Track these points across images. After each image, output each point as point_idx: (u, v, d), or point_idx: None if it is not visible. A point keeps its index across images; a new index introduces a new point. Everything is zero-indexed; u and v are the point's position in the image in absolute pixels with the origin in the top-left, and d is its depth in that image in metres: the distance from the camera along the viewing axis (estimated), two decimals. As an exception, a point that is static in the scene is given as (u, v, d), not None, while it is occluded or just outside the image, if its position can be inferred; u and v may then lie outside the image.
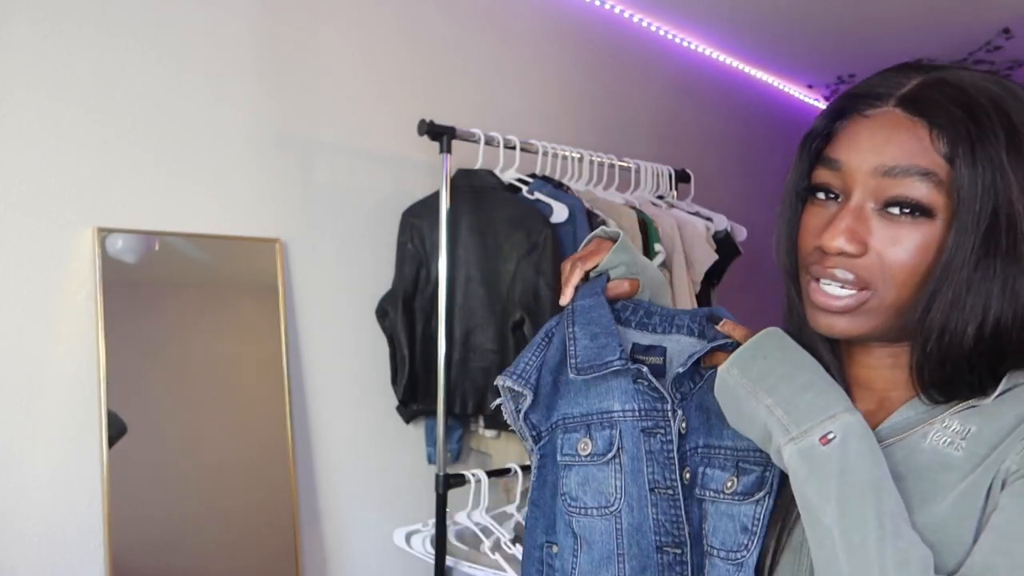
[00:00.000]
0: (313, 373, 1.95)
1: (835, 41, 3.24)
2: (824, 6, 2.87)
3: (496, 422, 1.97)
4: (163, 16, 1.68)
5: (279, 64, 1.88)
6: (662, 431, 0.82)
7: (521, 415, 0.89)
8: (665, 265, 2.14)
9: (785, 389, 0.72)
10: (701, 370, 0.82)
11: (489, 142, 1.90)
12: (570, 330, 0.86)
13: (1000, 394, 0.70)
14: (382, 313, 2.01)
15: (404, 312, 1.96)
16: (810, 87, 3.93)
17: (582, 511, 0.84)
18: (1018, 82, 0.72)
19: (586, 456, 0.85)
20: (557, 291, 0.95)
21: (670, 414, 0.81)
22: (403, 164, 2.12)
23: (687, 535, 0.80)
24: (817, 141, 0.76)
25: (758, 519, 0.77)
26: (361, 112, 2.05)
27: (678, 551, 0.80)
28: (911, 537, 0.66)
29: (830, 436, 0.69)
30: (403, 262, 1.97)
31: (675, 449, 0.81)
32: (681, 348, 0.87)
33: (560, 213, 1.90)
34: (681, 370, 0.81)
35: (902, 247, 0.70)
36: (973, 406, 0.71)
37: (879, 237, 0.70)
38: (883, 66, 0.76)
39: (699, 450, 0.82)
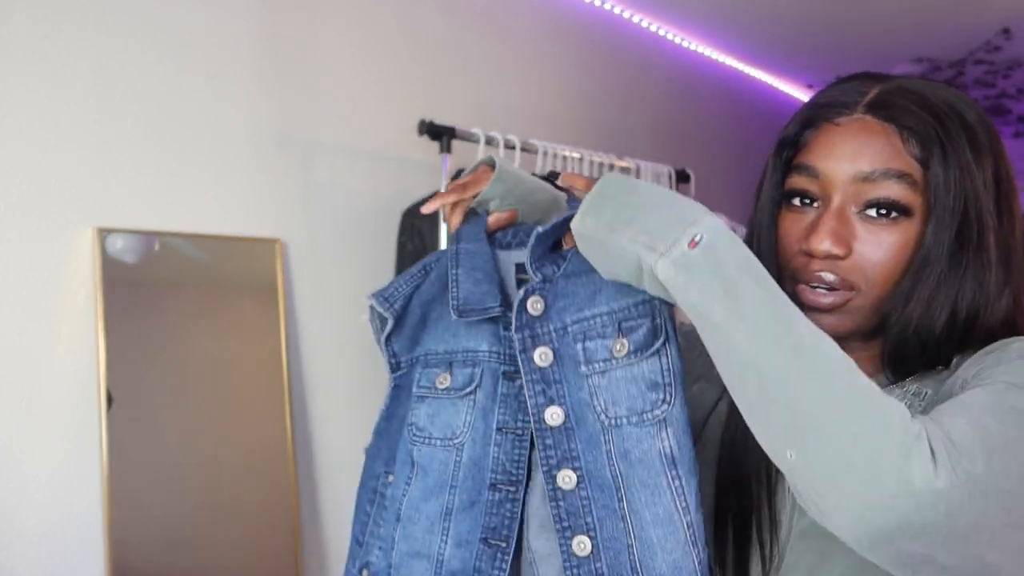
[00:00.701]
0: (313, 373, 1.95)
1: (835, 41, 3.25)
2: (824, 6, 2.87)
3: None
4: (163, 16, 1.68)
5: (279, 64, 1.88)
6: (520, 378, 0.82)
7: (383, 338, 0.90)
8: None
9: (643, 216, 0.70)
10: (563, 252, 0.81)
11: (489, 142, 1.90)
12: (454, 272, 0.86)
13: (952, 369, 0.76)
14: (382, 313, 2.01)
15: (404, 312, 1.96)
16: (810, 87, 3.93)
17: (426, 440, 0.85)
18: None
19: (442, 389, 0.86)
20: None
21: (520, 358, 0.80)
22: (403, 164, 2.12)
23: (524, 476, 0.81)
24: (789, 150, 0.80)
25: (667, 370, 0.75)
26: (361, 112, 2.05)
27: (512, 489, 0.81)
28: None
29: (697, 238, 0.67)
30: (403, 262, 1.97)
31: (527, 398, 0.80)
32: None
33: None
34: (541, 228, 0.78)
35: (883, 247, 0.74)
36: (928, 376, 0.77)
37: (862, 239, 0.75)
38: (883, 66, 0.78)
39: (570, 328, 0.79)
